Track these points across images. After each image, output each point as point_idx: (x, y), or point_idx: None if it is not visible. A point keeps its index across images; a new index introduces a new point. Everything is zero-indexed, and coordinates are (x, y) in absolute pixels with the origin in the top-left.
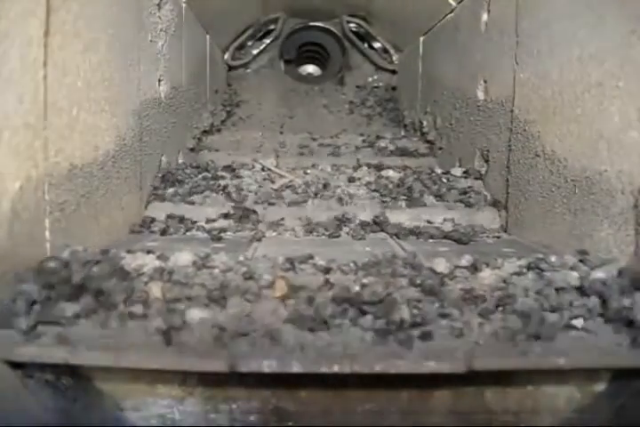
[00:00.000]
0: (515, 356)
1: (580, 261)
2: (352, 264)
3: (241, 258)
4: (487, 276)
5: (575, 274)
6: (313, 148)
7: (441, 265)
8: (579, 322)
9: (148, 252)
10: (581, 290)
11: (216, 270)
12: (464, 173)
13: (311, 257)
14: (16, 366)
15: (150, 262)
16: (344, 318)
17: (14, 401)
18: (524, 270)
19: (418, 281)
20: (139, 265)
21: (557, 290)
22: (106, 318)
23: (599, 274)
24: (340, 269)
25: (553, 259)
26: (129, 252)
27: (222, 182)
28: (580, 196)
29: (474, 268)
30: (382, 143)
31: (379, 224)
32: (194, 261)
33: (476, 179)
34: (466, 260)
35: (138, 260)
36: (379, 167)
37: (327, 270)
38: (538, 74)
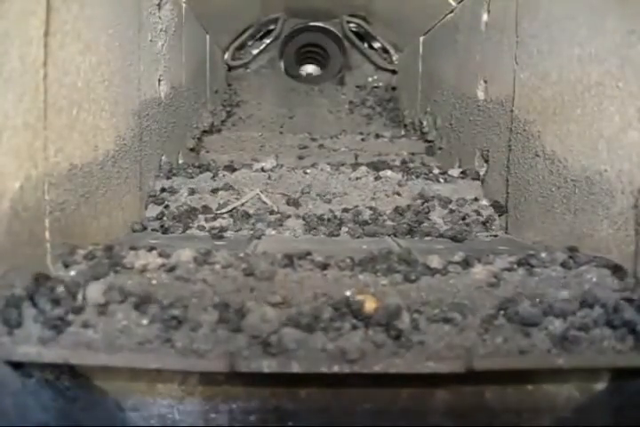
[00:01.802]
0: (514, 356)
1: (570, 257)
2: (349, 260)
3: (241, 254)
4: (479, 271)
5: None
6: (312, 148)
7: (434, 261)
8: None
9: (151, 249)
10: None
11: (217, 266)
12: (461, 173)
13: (309, 253)
14: (16, 366)
15: (153, 259)
16: (344, 322)
17: (14, 401)
18: (515, 266)
19: (412, 277)
20: (142, 263)
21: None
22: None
23: (589, 275)
24: (338, 265)
25: (543, 255)
26: (132, 248)
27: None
28: (580, 196)
29: (466, 263)
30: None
31: (377, 224)
32: (195, 257)
33: (474, 179)
34: (458, 256)
35: (140, 256)
36: (377, 168)
37: (325, 266)
38: (538, 74)
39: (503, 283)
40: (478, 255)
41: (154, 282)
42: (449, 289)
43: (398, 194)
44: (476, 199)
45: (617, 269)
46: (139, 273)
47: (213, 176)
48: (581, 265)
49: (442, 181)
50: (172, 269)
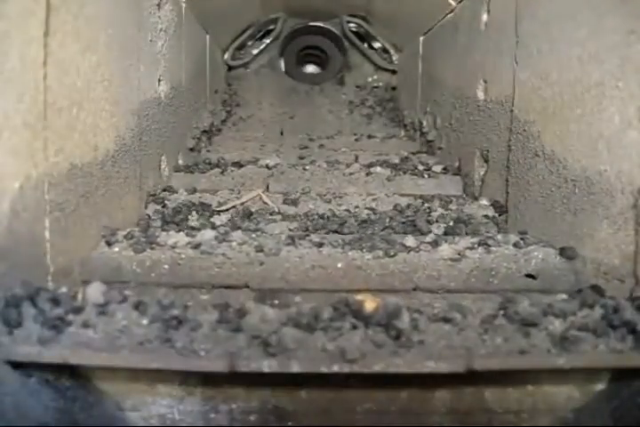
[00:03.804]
0: (514, 355)
1: (521, 239)
2: (340, 240)
3: (253, 235)
4: (445, 249)
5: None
6: (313, 147)
7: (410, 241)
8: None
9: (179, 230)
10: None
11: (234, 243)
12: (443, 169)
13: (308, 235)
14: (16, 366)
15: (181, 238)
16: (344, 321)
17: (14, 401)
18: (475, 246)
19: (391, 253)
20: (173, 240)
21: None
22: None
23: (536, 253)
24: (331, 244)
25: (499, 237)
26: (163, 230)
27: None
28: (580, 196)
29: (435, 243)
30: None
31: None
32: (216, 236)
33: (455, 175)
34: (429, 237)
35: (171, 236)
36: (368, 165)
37: (320, 245)
38: (538, 74)
39: (464, 259)
40: (446, 238)
41: (183, 256)
42: (420, 263)
43: (391, 193)
44: (476, 198)
45: (564, 250)
46: (170, 249)
47: (222, 171)
48: (530, 245)
49: (426, 176)
50: (197, 245)
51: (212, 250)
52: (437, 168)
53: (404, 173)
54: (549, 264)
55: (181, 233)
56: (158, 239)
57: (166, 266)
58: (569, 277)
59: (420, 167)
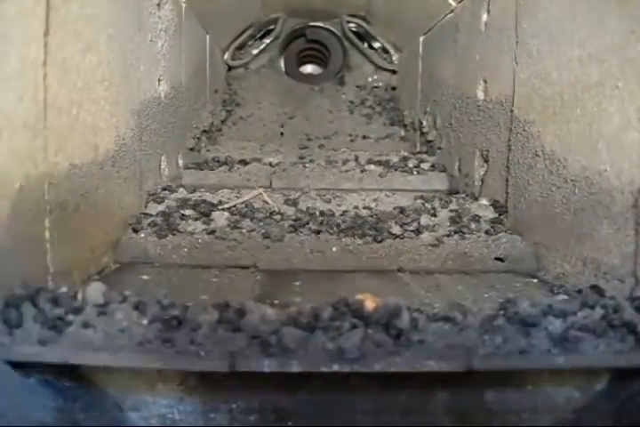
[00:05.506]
0: (514, 355)
1: (492, 227)
2: (335, 228)
3: (261, 223)
4: (426, 236)
5: None
6: (312, 147)
7: (395, 229)
8: None
9: (196, 219)
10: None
11: (244, 230)
12: (431, 166)
13: (307, 223)
14: (16, 366)
15: (199, 225)
16: (343, 321)
17: (14, 401)
18: (452, 233)
19: (379, 239)
20: (191, 228)
21: None
22: None
23: (504, 239)
24: (328, 231)
25: (473, 226)
26: (182, 218)
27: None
28: (579, 196)
29: (417, 231)
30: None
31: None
32: (228, 224)
33: (441, 171)
34: (412, 226)
35: (190, 223)
36: (364, 164)
37: (318, 232)
38: (538, 74)
39: (442, 244)
40: (427, 226)
41: (200, 241)
42: (404, 248)
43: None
44: (476, 198)
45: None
46: (189, 235)
47: (230, 169)
48: (499, 233)
49: (415, 173)
50: (212, 231)
51: (226, 236)
52: (426, 166)
53: (396, 170)
54: (515, 249)
55: (198, 221)
56: (178, 226)
57: (186, 249)
58: (531, 260)
59: (411, 165)
